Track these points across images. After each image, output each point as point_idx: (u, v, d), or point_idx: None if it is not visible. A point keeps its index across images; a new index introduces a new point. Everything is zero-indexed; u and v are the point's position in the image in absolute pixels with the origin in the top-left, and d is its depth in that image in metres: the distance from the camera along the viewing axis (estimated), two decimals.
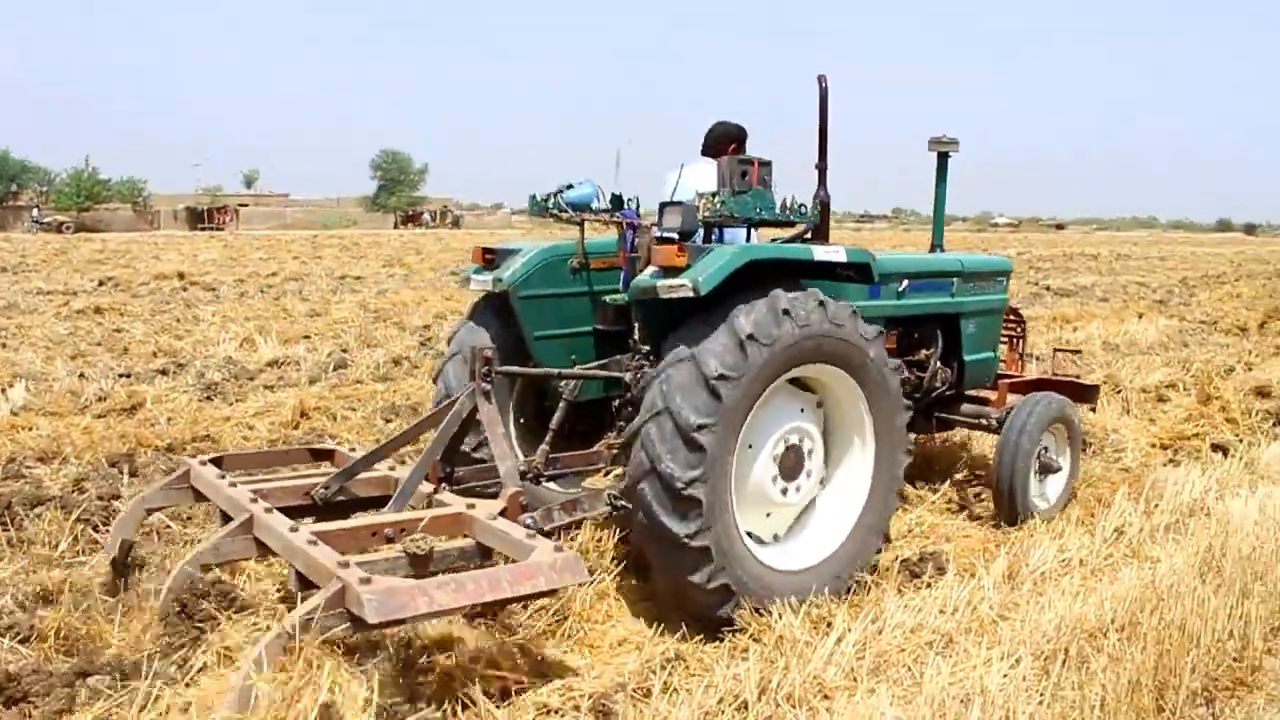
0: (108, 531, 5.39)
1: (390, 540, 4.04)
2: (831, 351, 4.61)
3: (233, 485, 4.53)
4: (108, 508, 5.65)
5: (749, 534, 4.58)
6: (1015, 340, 7.27)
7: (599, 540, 5.04)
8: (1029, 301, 19.55)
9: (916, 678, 3.94)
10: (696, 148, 6.01)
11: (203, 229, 67.81)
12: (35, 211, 65.67)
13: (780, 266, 4.65)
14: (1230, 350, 13.19)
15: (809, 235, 5.33)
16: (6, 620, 4.23)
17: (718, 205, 4.63)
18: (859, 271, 4.97)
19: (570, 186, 5.33)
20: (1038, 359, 9.89)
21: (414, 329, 13.98)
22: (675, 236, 4.72)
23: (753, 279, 4.43)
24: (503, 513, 4.20)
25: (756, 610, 4.39)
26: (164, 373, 10.16)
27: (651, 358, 4.70)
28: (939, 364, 6.26)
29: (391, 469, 4.93)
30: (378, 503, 4.67)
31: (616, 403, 5.10)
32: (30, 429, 7.45)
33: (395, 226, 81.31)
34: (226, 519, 4.39)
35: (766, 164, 4.86)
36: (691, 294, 4.28)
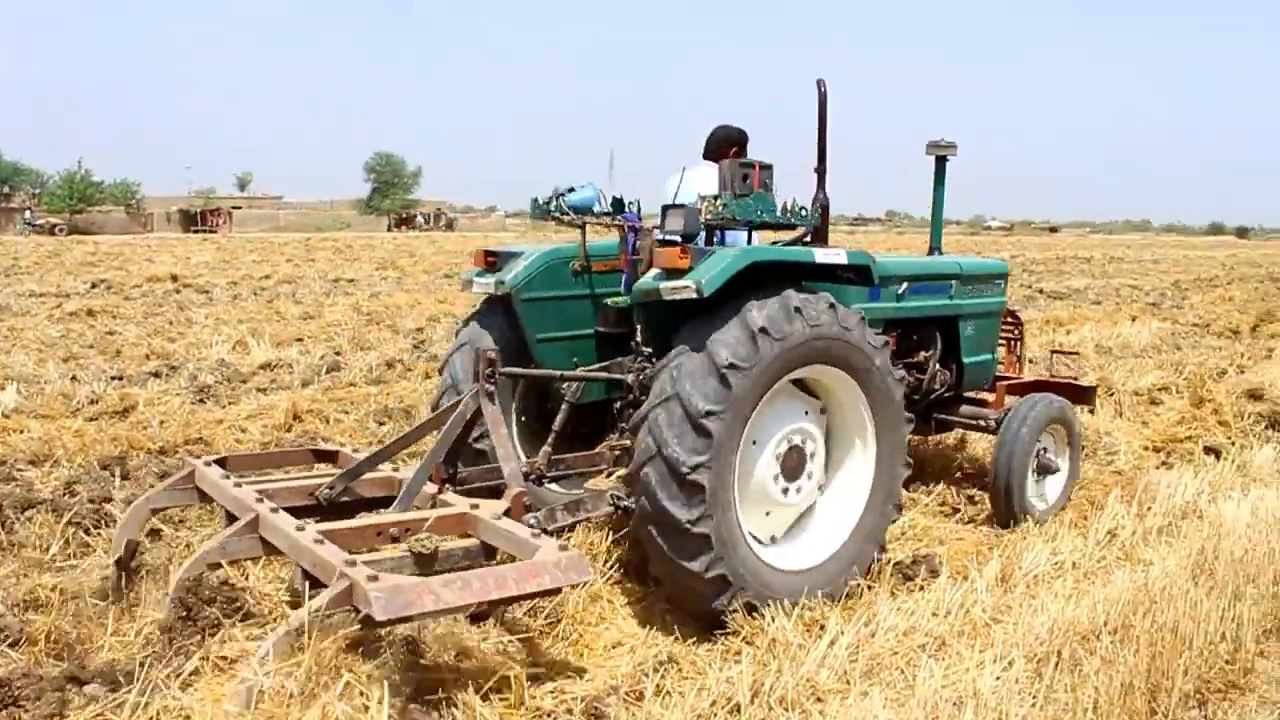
0: (99, 534, 5.39)
1: (395, 540, 4.08)
2: (839, 355, 4.65)
3: (238, 485, 4.55)
4: (99, 511, 5.62)
5: (748, 533, 4.59)
6: (1013, 342, 7.30)
7: (592, 544, 5.05)
8: (1022, 304, 19.57)
9: (909, 680, 3.94)
10: (695, 150, 6.04)
11: (196, 231, 67.75)
12: (28, 213, 65.61)
13: (782, 269, 4.67)
14: (1223, 353, 13.23)
15: (808, 238, 5.36)
16: None
17: (719, 208, 4.66)
18: (859, 274, 5.01)
19: (572, 190, 5.37)
20: (1030, 362, 9.90)
21: (407, 332, 13.96)
22: (677, 239, 4.74)
23: (754, 281, 4.46)
24: (507, 513, 4.23)
25: (751, 607, 4.40)
26: (156, 375, 10.13)
27: (653, 360, 4.72)
28: (938, 366, 6.29)
29: (395, 470, 4.96)
30: (382, 503, 4.69)
31: (618, 405, 5.12)
32: (21, 431, 7.42)
33: (389, 229, 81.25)
34: (231, 519, 4.42)
35: (767, 167, 4.89)
36: (694, 296, 4.31)
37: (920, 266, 6.28)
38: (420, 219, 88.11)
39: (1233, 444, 7.98)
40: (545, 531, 4.18)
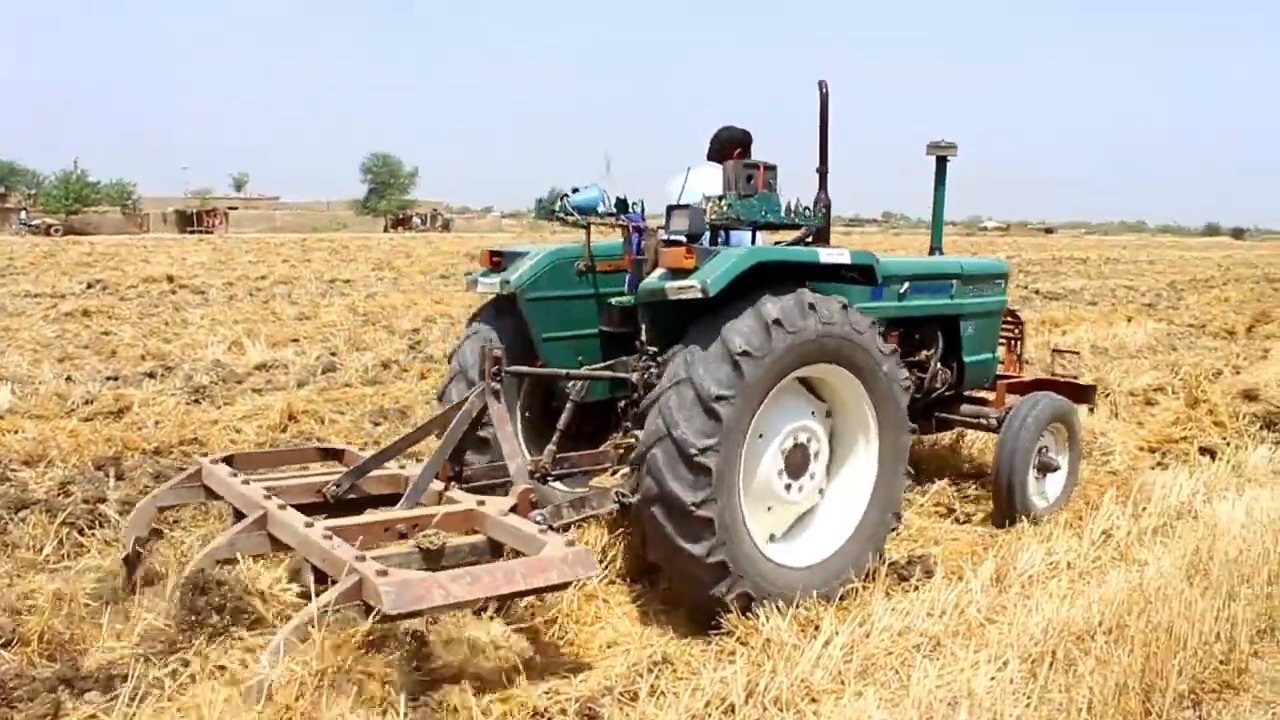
0: (93, 535, 5.39)
1: (403, 536, 4.12)
2: (849, 356, 4.71)
3: (245, 483, 4.59)
4: (93, 511, 5.61)
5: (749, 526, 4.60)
6: (1013, 342, 7.33)
7: (588, 543, 5.03)
8: (1018, 305, 19.53)
9: (904, 680, 3.93)
10: (696, 151, 6.09)
11: (192, 232, 67.73)
12: (23, 214, 65.56)
13: (786, 268, 4.71)
14: (1218, 353, 13.25)
15: (810, 238, 5.40)
16: None
17: (724, 208, 4.69)
18: (862, 273, 5.05)
19: (576, 190, 5.42)
20: (1027, 363, 9.90)
21: (403, 332, 13.96)
22: (682, 239, 4.78)
23: (759, 281, 4.50)
24: (513, 509, 4.28)
25: (747, 598, 4.41)
26: (152, 376, 10.12)
27: (658, 359, 4.74)
28: (939, 365, 6.33)
29: (401, 467, 5.01)
30: (388, 501, 4.73)
31: (622, 403, 5.15)
32: (16, 432, 7.41)
33: (385, 230, 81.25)
34: (239, 516, 4.46)
35: (772, 168, 4.93)
36: (700, 295, 4.35)
37: (922, 266, 6.32)
38: (416, 220, 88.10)
39: (1228, 444, 7.99)
40: (551, 528, 4.22)
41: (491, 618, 4.28)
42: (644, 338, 4.92)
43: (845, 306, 4.66)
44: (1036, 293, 23.19)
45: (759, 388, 4.38)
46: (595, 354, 5.55)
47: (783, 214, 4.92)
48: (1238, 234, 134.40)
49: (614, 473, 5.38)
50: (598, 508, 4.70)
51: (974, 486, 6.76)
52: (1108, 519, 5.96)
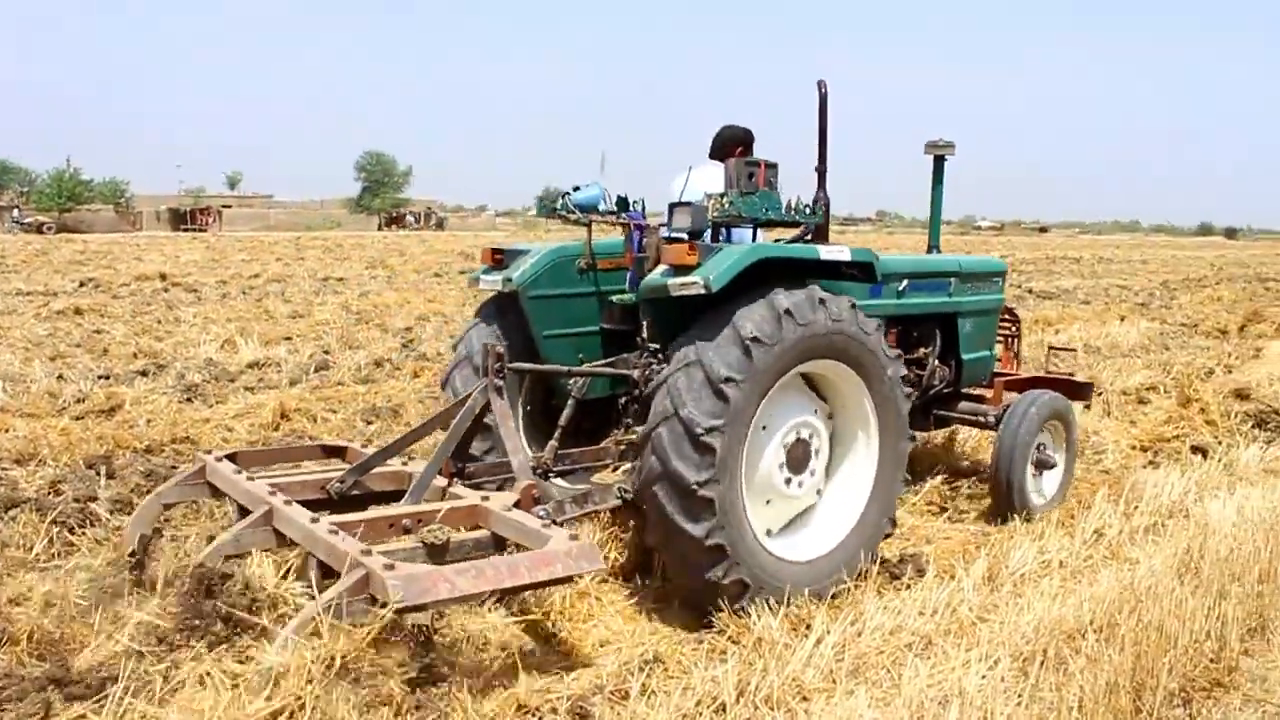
0: (84, 534, 5.38)
1: (408, 531, 4.15)
2: (855, 355, 4.77)
3: (250, 479, 4.61)
4: (84, 510, 5.59)
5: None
6: (1010, 339, 7.35)
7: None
8: (1012, 304, 19.60)
9: (895, 679, 3.94)
10: (695, 150, 6.14)
11: (185, 230, 67.59)
12: (16, 212, 65.32)
13: (788, 265, 4.75)
14: (1210, 353, 13.27)
15: (809, 236, 5.44)
16: None
17: (726, 206, 4.75)
18: (862, 270, 5.09)
19: (577, 189, 5.47)
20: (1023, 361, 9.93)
21: (396, 331, 13.94)
22: (684, 236, 4.81)
23: (761, 277, 4.53)
24: (516, 504, 4.31)
25: (742, 587, 4.43)
26: (144, 374, 10.08)
27: (659, 356, 4.77)
28: (937, 362, 6.37)
29: (404, 464, 5.05)
30: (391, 497, 4.74)
31: (623, 400, 5.20)
32: (7, 430, 7.38)
33: (379, 228, 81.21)
34: (244, 513, 4.47)
35: (772, 166, 4.98)
36: (703, 291, 4.39)
37: (920, 264, 6.36)
38: (410, 218, 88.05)
39: (1219, 443, 8.00)
40: (554, 523, 4.24)
41: (491, 611, 4.31)
42: (645, 335, 4.96)
43: (854, 306, 4.72)
44: (1030, 292, 23.23)
45: (767, 374, 4.43)
46: (596, 351, 5.59)
47: (783, 212, 4.98)
48: (1230, 234, 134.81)
49: (615, 469, 5.40)
50: (600, 503, 4.73)
51: (967, 485, 6.77)
52: (1100, 518, 5.98)
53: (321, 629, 3.37)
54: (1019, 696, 3.74)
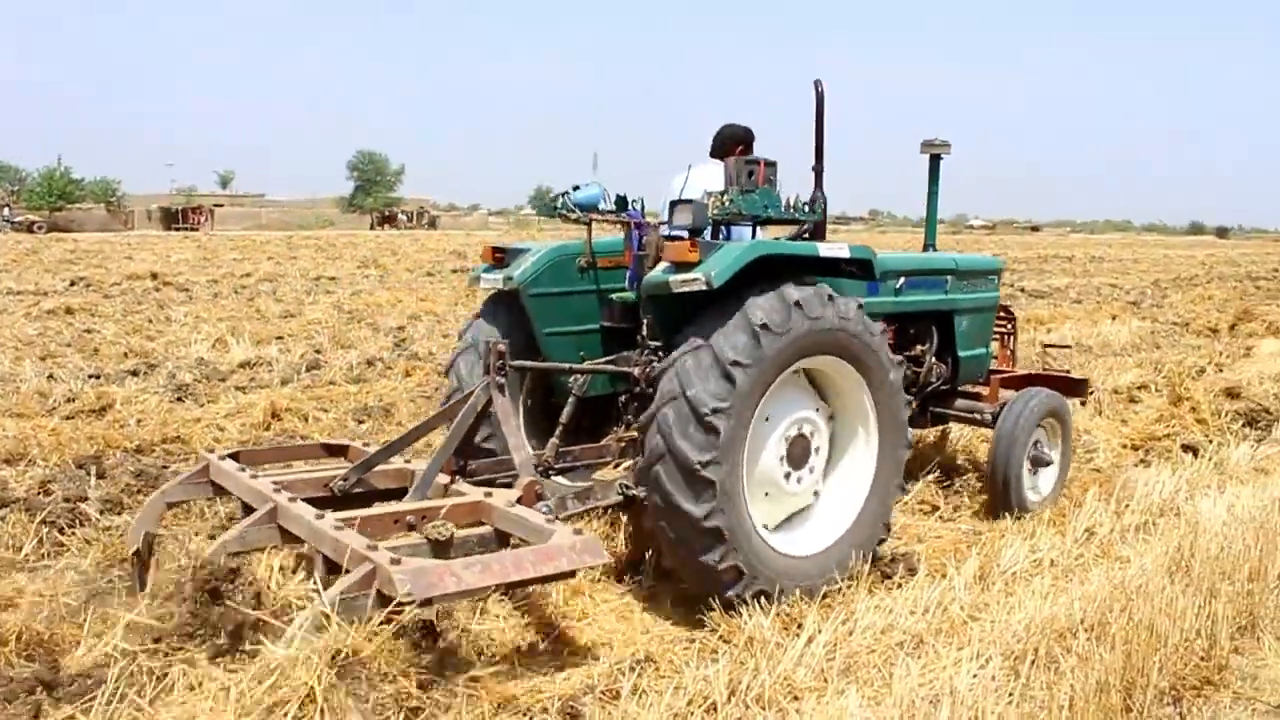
0: (73, 534, 5.36)
1: (412, 527, 4.17)
2: (859, 355, 4.83)
3: (254, 477, 4.63)
4: (73, 510, 5.57)
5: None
6: (1006, 337, 7.38)
7: None
8: (1003, 303, 19.62)
9: (886, 678, 3.94)
10: (693, 150, 6.18)
11: (177, 229, 67.37)
12: (6, 211, 64.96)
13: (788, 262, 4.79)
14: (1201, 351, 13.30)
15: (806, 234, 5.47)
16: None
17: (726, 204, 4.79)
18: (860, 268, 5.12)
19: (577, 188, 5.51)
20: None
21: (388, 330, 13.92)
22: (685, 234, 4.85)
23: (761, 274, 4.57)
24: (519, 501, 4.34)
25: (737, 574, 4.44)
26: (134, 374, 10.06)
27: (659, 353, 4.80)
28: (934, 360, 6.39)
29: (406, 462, 5.08)
30: (394, 495, 4.76)
31: (623, 398, 5.22)
32: None
33: (371, 227, 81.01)
34: (248, 511, 4.49)
35: (772, 164, 5.02)
36: (704, 288, 4.43)
37: (917, 262, 6.39)
38: (402, 217, 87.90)
39: (1210, 442, 8.03)
40: (556, 519, 4.25)
41: (483, 612, 4.31)
42: (645, 332, 5.00)
43: (860, 307, 4.78)
44: (1022, 291, 23.27)
45: (774, 363, 4.48)
46: (596, 349, 5.62)
47: (783, 209, 5.02)
48: (1221, 233, 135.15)
49: (616, 466, 5.42)
50: (602, 499, 4.75)
51: (958, 483, 6.77)
52: (1091, 516, 5.99)
53: (329, 623, 3.37)
54: (1010, 695, 3.74)
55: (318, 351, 11.77)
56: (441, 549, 3.94)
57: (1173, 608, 4.37)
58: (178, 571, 4.09)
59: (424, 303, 17.48)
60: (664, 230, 5.19)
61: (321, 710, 3.16)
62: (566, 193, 5.51)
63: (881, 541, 5.13)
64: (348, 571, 3.66)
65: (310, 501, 4.38)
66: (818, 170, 5.61)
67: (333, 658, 3.28)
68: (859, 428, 5.03)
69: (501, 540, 4.19)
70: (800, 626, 4.35)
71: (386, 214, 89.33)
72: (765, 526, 4.84)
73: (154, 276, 21.96)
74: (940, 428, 7.35)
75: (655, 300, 4.85)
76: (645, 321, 5.01)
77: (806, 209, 5.18)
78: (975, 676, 3.85)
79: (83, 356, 11.24)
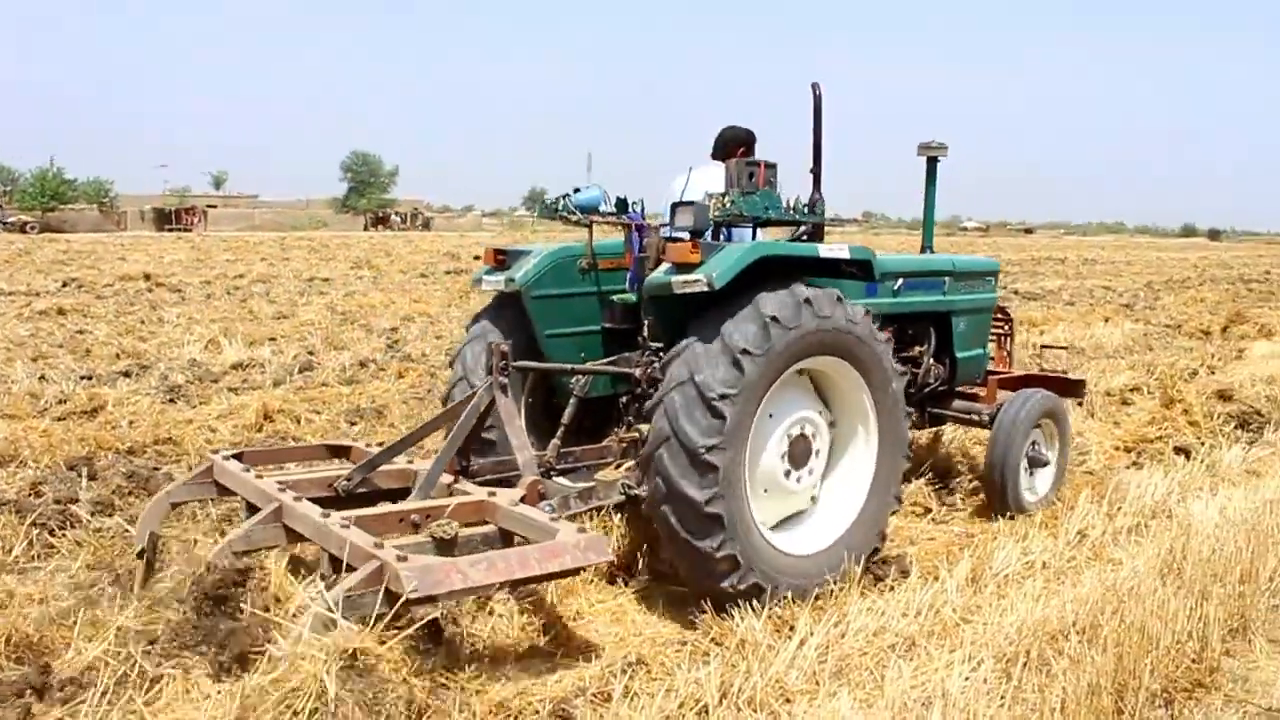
0: (64, 536, 5.33)
1: (416, 526, 4.20)
2: (864, 359, 4.88)
3: (259, 477, 4.65)
4: (64, 512, 5.55)
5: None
6: (1003, 338, 7.40)
7: None
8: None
9: (878, 681, 3.94)
10: (693, 151, 6.21)
11: (170, 230, 67.27)
12: None
13: (789, 263, 4.82)
14: (1194, 354, 13.33)
15: (805, 236, 5.51)
16: None
17: (728, 205, 4.83)
18: (860, 269, 5.14)
19: (578, 190, 5.55)
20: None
21: (381, 331, 13.91)
22: (686, 235, 4.87)
23: (762, 275, 4.59)
24: (522, 500, 4.37)
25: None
26: (126, 375, 10.03)
27: (660, 354, 4.81)
28: (932, 360, 6.42)
29: (409, 462, 5.11)
30: (397, 495, 4.77)
31: (624, 399, 5.25)
32: None
33: (365, 229, 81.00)
34: (252, 511, 4.50)
35: (772, 166, 5.06)
36: (706, 289, 4.46)
37: (916, 263, 6.43)
38: (396, 218, 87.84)
39: (1202, 444, 8.03)
40: (560, 518, 4.26)
41: (476, 615, 4.30)
42: (646, 333, 5.03)
43: (868, 312, 4.84)
44: (1015, 293, 23.29)
45: (782, 355, 4.52)
46: (598, 350, 5.65)
47: (783, 211, 5.05)
48: (1214, 235, 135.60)
49: (617, 466, 5.43)
50: (604, 499, 4.78)
51: (951, 485, 6.77)
52: (1083, 518, 5.99)
53: (335, 621, 3.37)
54: (1002, 698, 3.74)
55: (310, 353, 11.76)
56: (446, 547, 3.96)
57: (1164, 610, 4.37)
58: (178, 574, 4.08)
59: (417, 304, 17.47)
60: (664, 232, 5.22)
61: (333, 711, 3.15)
62: (567, 195, 5.55)
63: (876, 551, 5.14)
64: (353, 569, 3.66)
65: (315, 502, 4.40)
66: (815, 173, 5.62)
67: (341, 656, 3.27)
68: (859, 433, 5.06)
69: (506, 539, 4.22)
70: (792, 629, 4.35)
71: (380, 215, 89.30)
72: (763, 523, 4.84)
73: (147, 277, 21.92)
74: (934, 429, 7.35)
75: (656, 301, 4.88)
76: (646, 323, 5.04)
77: (806, 210, 5.22)
78: (967, 679, 3.85)
79: (75, 357, 11.21)
